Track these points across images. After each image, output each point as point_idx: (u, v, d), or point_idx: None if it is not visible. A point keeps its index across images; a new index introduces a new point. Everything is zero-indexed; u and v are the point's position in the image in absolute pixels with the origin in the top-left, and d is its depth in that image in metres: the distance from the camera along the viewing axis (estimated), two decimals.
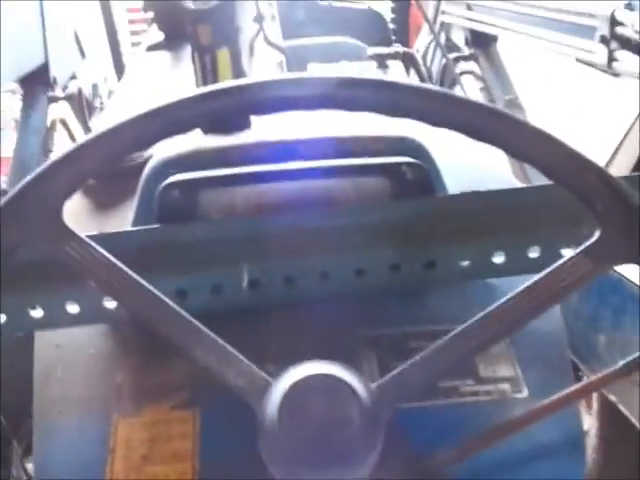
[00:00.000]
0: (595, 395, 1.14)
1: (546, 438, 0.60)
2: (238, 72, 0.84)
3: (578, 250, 0.42)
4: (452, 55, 1.65)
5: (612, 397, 1.02)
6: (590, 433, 1.17)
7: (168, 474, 0.56)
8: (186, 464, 0.56)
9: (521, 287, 0.42)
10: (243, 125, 0.82)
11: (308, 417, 0.39)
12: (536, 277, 0.42)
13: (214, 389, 0.43)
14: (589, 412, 1.20)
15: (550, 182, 0.60)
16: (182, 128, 0.43)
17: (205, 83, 0.84)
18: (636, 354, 0.57)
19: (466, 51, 1.65)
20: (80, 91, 1.60)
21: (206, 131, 0.88)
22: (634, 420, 0.97)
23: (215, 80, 0.84)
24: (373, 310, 0.65)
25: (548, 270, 0.42)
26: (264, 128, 0.82)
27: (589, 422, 1.19)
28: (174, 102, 0.41)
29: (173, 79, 1.26)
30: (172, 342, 0.43)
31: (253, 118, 0.85)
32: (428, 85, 0.43)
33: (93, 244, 0.42)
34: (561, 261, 0.42)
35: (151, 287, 0.42)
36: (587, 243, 0.42)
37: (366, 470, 0.40)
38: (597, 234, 0.41)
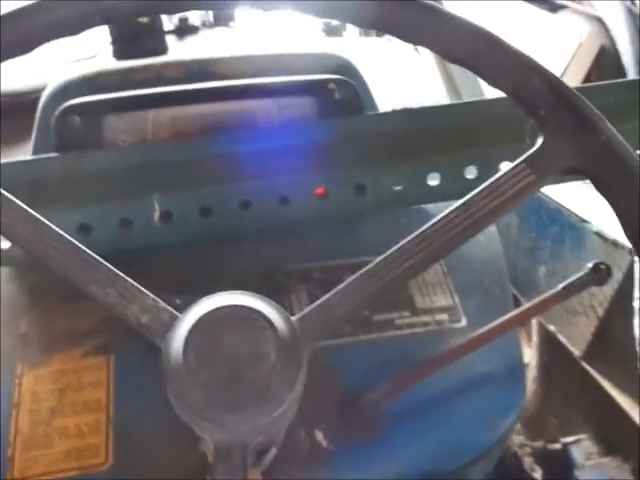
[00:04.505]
0: (535, 327, 1.15)
1: (486, 368, 0.58)
2: None
3: (518, 160, 0.38)
4: None
5: (551, 327, 1.02)
6: (530, 365, 1.19)
7: (80, 425, 0.51)
8: (99, 414, 0.52)
9: (456, 203, 0.38)
10: (158, 49, 0.75)
11: (217, 353, 0.34)
12: (473, 192, 0.38)
13: (129, 333, 0.38)
14: (529, 345, 1.21)
15: (486, 97, 0.57)
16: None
17: None
18: (574, 277, 0.55)
19: None
20: None
21: (118, 57, 0.80)
22: (572, 348, 0.98)
23: None
24: (302, 244, 0.61)
25: (486, 184, 0.38)
26: (181, 51, 0.74)
27: (529, 354, 1.21)
28: None
29: None
30: (67, 279, 0.37)
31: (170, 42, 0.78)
32: None
33: None
34: (500, 173, 0.38)
35: (38, 215, 0.36)
36: (528, 152, 0.38)
37: (286, 409, 0.36)
38: (539, 142, 0.37)
